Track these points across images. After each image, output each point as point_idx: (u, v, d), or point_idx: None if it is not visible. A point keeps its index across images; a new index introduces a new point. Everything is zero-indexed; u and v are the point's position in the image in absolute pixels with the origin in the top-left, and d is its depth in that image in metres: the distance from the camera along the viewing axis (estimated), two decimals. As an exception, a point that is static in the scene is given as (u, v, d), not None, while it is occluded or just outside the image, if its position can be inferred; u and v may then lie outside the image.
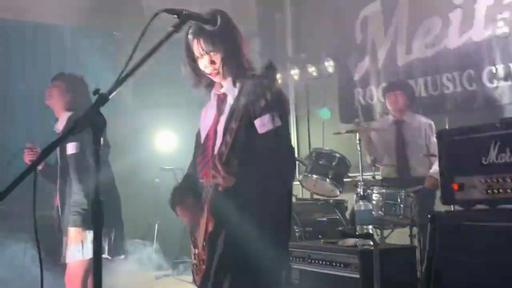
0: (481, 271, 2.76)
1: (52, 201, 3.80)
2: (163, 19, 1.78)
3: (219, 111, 2.35)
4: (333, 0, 6.75)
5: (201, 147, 2.40)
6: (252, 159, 2.16)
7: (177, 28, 1.84)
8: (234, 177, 2.10)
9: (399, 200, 4.42)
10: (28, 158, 3.72)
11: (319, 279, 3.63)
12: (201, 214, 2.31)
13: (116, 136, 3.90)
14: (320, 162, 4.99)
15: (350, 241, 3.60)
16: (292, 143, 2.45)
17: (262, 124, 2.18)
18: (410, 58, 5.95)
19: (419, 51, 5.85)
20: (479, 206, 2.96)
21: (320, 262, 3.62)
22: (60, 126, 3.75)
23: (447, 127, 4.99)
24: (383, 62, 6.27)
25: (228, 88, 2.32)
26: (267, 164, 2.17)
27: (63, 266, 3.67)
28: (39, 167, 3.64)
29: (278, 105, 2.19)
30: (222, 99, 2.36)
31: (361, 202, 3.68)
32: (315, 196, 5.53)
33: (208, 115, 2.43)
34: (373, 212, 3.84)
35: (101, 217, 1.55)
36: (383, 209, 4.42)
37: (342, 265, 3.44)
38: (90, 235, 3.48)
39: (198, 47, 2.28)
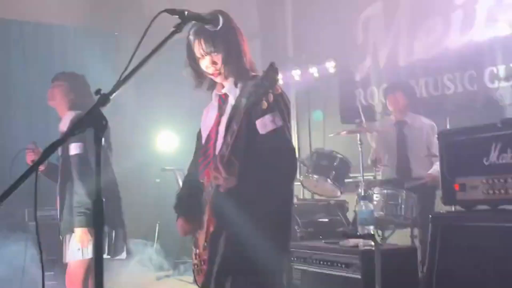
0: (482, 271, 2.75)
1: (53, 201, 3.80)
2: (165, 20, 1.77)
3: (221, 112, 2.35)
4: (334, 0, 6.73)
5: (202, 148, 2.39)
6: (253, 160, 2.16)
7: (178, 28, 1.84)
8: (236, 178, 2.10)
9: (400, 201, 4.42)
10: (29, 158, 3.71)
11: (320, 280, 3.63)
12: (201, 227, 2.33)
13: (117, 136, 3.89)
14: (321, 162, 4.99)
15: (352, 242, 3.60)
16: (293, 144, 2.44)
17: (264, 125, 2.17)
18: (411, 59, 5.93)
19: (420, 51, 5.83)
20: (480, 207, 2.96)
21: (321, 262, 3.62)
22: (63, 126, 3.72)
23: (448, 128, 4.98)
24: (384, 63, 6.25)
25: (230, 89, 2.32)
26: (269, 164, 2.17)
27: (64, 266, 3.67)
28: (41, 168, 3.64)
29: (279, 106, 2.20)
30: (223, 99, 2.36)
31: (362, 203, 3.68)
32: (316, 197, 5.53)
33: (209, 115, 2.43)
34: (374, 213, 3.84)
35: (102, 216, 1.55)
36: (384, 209, 4.42)
37: (343, 266, 3.44)
38: (95, 235, 3.48)
39: (199, 47, 2.28)
